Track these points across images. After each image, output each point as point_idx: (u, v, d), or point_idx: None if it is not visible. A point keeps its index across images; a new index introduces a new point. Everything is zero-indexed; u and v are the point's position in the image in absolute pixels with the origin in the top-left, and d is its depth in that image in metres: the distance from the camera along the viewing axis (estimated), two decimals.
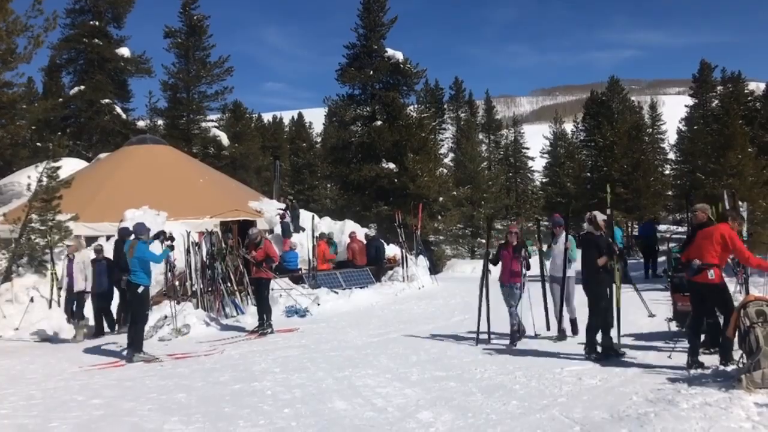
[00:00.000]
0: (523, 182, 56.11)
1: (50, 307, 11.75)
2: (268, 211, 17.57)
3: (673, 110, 77.46)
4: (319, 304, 12.93)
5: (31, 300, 11.67)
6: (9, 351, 9.77)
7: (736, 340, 5.91)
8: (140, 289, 8.77)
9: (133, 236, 9.33)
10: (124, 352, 8.92)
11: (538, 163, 58.39)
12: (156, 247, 9.67)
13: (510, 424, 4.95)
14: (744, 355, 5.56)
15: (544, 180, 55.93)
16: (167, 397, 6.42)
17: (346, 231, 18.05)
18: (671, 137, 56.49)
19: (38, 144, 18.74)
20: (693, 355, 6.45)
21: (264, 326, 10.44)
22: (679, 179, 46.04)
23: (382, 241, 18.15)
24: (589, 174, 49.34)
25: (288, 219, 16.86)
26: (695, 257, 6.51)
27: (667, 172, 49.35)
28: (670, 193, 43.41)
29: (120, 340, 10.17)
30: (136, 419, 5.66)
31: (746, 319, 5.57)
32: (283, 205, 18.17)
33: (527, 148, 57.84)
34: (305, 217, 17.99)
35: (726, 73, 49.57)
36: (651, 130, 55.78)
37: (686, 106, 52.87)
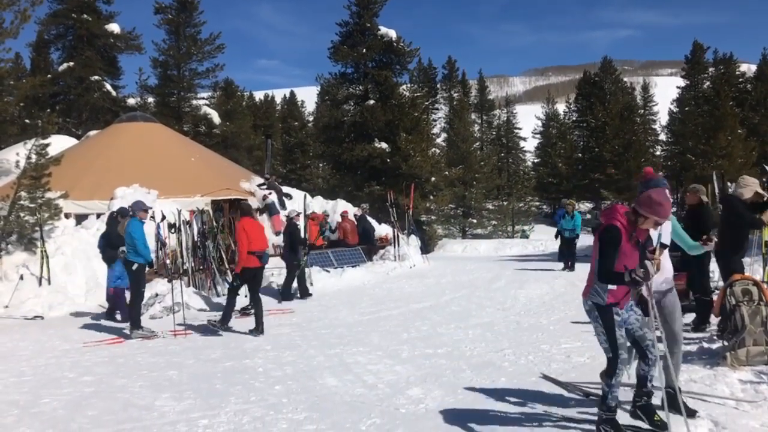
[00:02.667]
0: (515, 162, 56.15)
1: (40, 284, 11.72)
2: (259, 190, 17.48)
3: (665, 91, 77.57)
4: (312, 291, 12.93)
5: (21, 278, 11.61)
6: None
7: (719, 318, 6.01)
8: (134, 266, 8.75)
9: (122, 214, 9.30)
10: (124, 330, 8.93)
11: (530, 144, 58.49)
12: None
13: (498, 400, 5.02)
14: (729, 333, 5.64)
15: (536, 160, 56.09)
16: (159, 374, 6.46)
17: (338, 210, 18.03)
18: (663, 118, 56.56)
19: (27, 121, 18.44)
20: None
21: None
22: (669, 160, 46.25)
23: (371, 221, 18.13)
24: (580, 155, 49.59)
25: (272, 199, 16.72)
26: None
27: (658, 153, 49.52)
28: (661, 174, 43.66)
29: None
30: (128, 396, 5.69)
31: (732, 297, 5.64)
32: (261, 181, 17.98)
33: (519, 129, 57.79)
34: (297, 196, 17.92)
35: (718, 54, 49.46)
36: (643, 111, 55.83)
37: (678, 87, 52.83)
